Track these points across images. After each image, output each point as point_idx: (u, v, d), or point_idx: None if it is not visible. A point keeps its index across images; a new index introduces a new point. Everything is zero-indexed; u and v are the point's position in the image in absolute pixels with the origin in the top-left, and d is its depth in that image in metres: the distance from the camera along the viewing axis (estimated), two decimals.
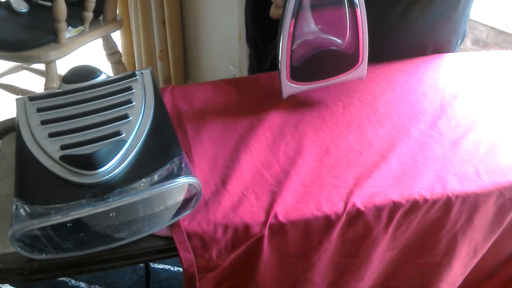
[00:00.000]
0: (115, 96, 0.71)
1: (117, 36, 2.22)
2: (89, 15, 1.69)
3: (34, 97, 0.71)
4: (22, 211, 0.56)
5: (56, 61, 1.67)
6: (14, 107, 0.71)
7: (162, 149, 0.65)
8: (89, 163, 0.60)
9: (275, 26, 0.77)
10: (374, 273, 0.78)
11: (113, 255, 0.63)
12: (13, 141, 0.68)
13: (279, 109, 0.85)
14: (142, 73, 0.76)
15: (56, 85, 1.69)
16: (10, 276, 0.62)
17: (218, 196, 0.68)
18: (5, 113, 1.13)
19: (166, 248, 0.64)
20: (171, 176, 0.60)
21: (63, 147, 0.62)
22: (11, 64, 2.07)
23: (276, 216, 0.65)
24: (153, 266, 1.38)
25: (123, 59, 2.10)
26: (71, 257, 0.61)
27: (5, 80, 2.06)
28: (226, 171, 0.72)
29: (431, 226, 0.73)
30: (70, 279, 1.35)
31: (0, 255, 0.62)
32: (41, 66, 1.92)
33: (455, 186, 0.71)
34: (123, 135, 0.64)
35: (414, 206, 0.69)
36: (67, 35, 1.66)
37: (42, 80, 1.74)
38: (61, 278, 1.34)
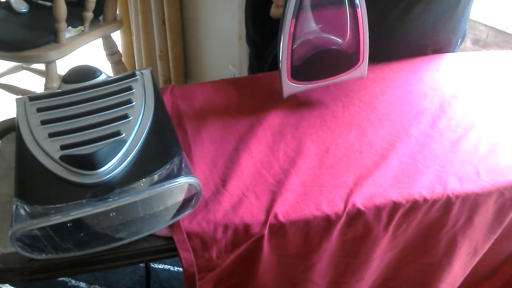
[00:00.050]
0: (115, 96, 0.71)
1: (117, 36, 2.22)
2: (89, 15, 1.69)
3: (34, 97, 0.71)
4: (22, 211, 0.56)
5: (56, 61, 1.67)
6: (14, 107, 0.71)
7: (162, 149, 0.65)
8: (89, 163, 0.60)
9: (275, 26, 0.77)
10: (374, 273, 0.78)
11: (113, 255, 0.63)
12: (13, 141, 0.68)
13: (279, 109, 0.85)
14: (142, 73, 0.76)
15: (56, 85, 1.69)
16: (10, 276, 0.62)
17: (218, 196, 0.68)
18: (5, 113, 1.13)
19: (166, 248, 0.64)
20: (171, 176, 0.60)
21: (63, 147, 0.62)
22: (11, 64, 2.07)
23: (276, 216, 0.65)
24: (153, 266, 1.38)
25: (123, 59, 2.09)
26: (71, 257, 0.61)
27: (5, 80, 2.06)
28: (226, 171, 0.72)
29: (431, 226, 0.73)
30: (70, 279, 1.35)
31: (0, 255, 0.62)
32: (41, 66, 1.92)
33: (455, 186, 0.71)
34: (123, 135, 0.64)
35: (414, 206, 0.69)
36: (67, 35, 1.66)
37: (42, 80, 1.74)
38: (61, 278, 1.34)
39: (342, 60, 0.83)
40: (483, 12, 1.80)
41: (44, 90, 1.71)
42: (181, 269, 0.65)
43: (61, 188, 0.59)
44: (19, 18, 1.75)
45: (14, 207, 0.57)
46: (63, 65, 1.50)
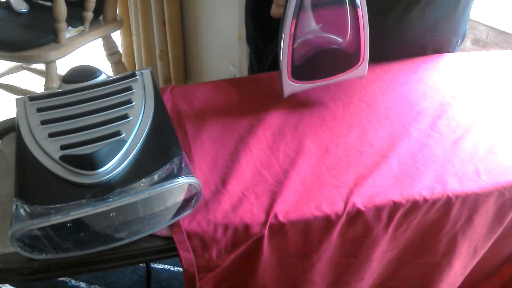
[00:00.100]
0: (115, 96, 0.71)
1: (117, 36, 2.22)
2: (89, 15, 1.69)
3: (34, 97, 0.71)
4: (22, 211, 0.56)
5: (56, 61, 1.67)
6: (14, 107, 0.71)
7: (162, 149, 0.65)
8: (89, 163, 0.60)
9: (275, 26, 0.77)
10: (374, 273, 0.78)
11: (113, 255, 0.63)
12: (13, 141, 0.68)
13: (279, 109, 0.85)
14: (142, 73, 0.76)
15: (56, 85, 1.69)
16: (10, 276, 0.62)
17: (218, 196, 0.68)
18: (5, 113, 1.13)
19: (166, 248, 0.64)
20: (171, 176, 0.60)
21: (63, 147, 0.62)
22: (11, 64, 2.07)
23: (276, 216, 0.65)
24: (153, 266, 1.38)
25: (123, 59, 2.09)
26: (71, 257, 0.61)
27: (5, 80, 2.06)
28: (226, 171, 0.72)
29: (431, 226, 0.73)
30: (70, 279, 1.35)
31: (0, 255, 0.62)
32: (41, 66, 1.92)
33: (455, 186, 0.71)
34: (123, 135, 0.64)
35: (414, 206, 0.69)
36: (67, 35, 1.66)
37: (42, 80, 1.74)
38: (61, 278, 1.34)
39: (342, 60, 0.83)
40: (483, 12, 1.80)
41: (44, 90, 1.71)
42: (181, 269, 0.65)
43: (61, 188, 0.59)
44: (19, 18, 1.75)
45: (14, 207, 0.57)
46: (63, 65, 1.50)
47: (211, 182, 0.70)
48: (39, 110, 0.69)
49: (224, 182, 0.70)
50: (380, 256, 0.75)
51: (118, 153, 0.62)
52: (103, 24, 1.82)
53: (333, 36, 0.82)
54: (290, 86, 0.82)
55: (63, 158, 0.61)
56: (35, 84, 2.11)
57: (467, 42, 1.88)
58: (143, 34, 2.13)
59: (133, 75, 0.75)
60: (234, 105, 0.87)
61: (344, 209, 0.67)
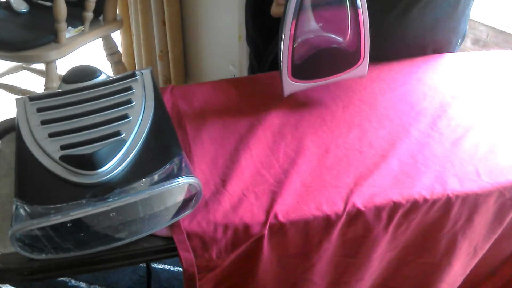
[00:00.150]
0: (115, 96, 0.71)
1: (117, 36, 2.21)
2: (89, 15, 1.69)
3: (34, 97, 0.71)
4: (22, 211, 0.56)
5: (56, 61, 1.67)
6: (14, 107, 0.71)
7: (162, 149, 0.65)
8: (89, 163, 0.60)
9: (275, 26, 0.77)
10: (374, 273, 0.78)
11: (113, 255, 0.63)
12: (13, 141, 0.68)
13: (279, 109, 0.85)
14: (142, 73, 0.76)
15: (56, 85, 1.69)
16: (10, 276, 0.62)
17: (218, 196, 0.68)
18: (5, 113, 1.13)
19: (166, 248, 0.64)
20: (171, 176, 0.60)
21: (63, 147, 0.62)
22: (11, 64, 2.07)
23: (276, 216, 0.65)
24: (153, 266, 1.38)
25: (123, 59, 2.09)
26: (71, 257, 0.61)
27: (5, 80, 2.06)
28: (226, 171, 0.72)
29: (431, 226, 0.73)
30: (70, 279, 1.35)
31: (0, 255, 0.62)
32: (41, 66, 1.92)
33: (455, 186, 0.71)
34: (123, 135, 0.64)
35: (414, 206, 0.69)
36: (67, 35, 1.66)
37: (42, 80, 1.74)
38: (61, 278, 1.34)
39: (342, 59, 0.83)
40: (483, 12, 1.80)
41: (44, 90, 1.71)
42: (181, 269, 0.65)
43: (61, 188, 0.59)
44: (19, 18, 1.75)
45: (14, 207, 0.57)
46: (63, 65, 1.50)
47: (211, 182, 0.70)
48: (39, 110, 0.69)
49: (224, 182, 0.70)
50: (380, 256, 0.75)
51: (118, 153, 0.62)
52: (103, 24, 1.82)
53: (333, 36, 0.82)
54: (290, 85, 0.82)
55: (63, 158, 0.61)
56: (35, 84, 2.11)
57: (467, 42, 1.88)
58: (143, 34, 2.13)
59: (133, 75, 0.75)
60: (234, 105, 0.87)
61: (344, 209, 0.67)
